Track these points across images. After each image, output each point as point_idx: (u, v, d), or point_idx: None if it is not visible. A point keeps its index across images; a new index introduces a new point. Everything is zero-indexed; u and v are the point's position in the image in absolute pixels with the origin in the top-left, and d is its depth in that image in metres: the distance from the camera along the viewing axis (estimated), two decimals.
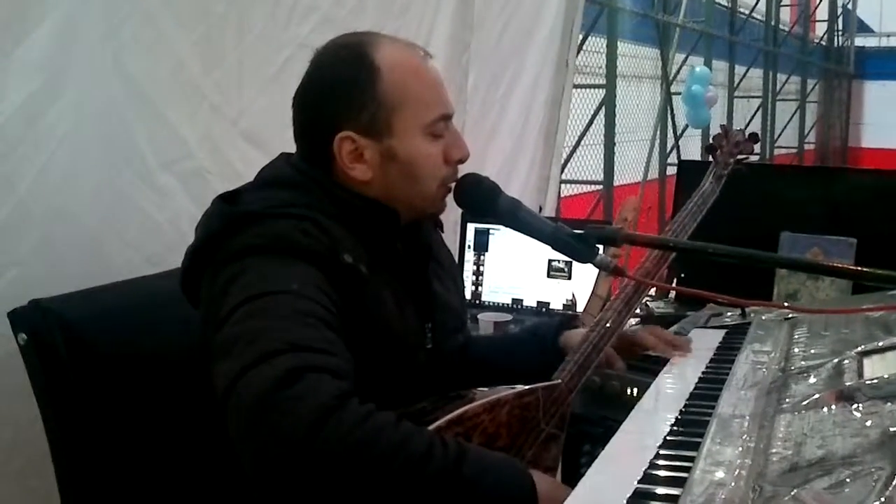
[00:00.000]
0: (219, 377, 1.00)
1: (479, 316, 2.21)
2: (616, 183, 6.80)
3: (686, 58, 8.60)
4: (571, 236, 1.25)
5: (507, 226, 1.32)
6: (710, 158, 1.72)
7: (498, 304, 2.40)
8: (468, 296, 2.41)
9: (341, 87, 1.22)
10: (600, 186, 6.65)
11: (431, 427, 1.06)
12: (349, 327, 1.11)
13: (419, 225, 1.32)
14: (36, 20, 1.46)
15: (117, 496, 1.34)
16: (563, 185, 6.05)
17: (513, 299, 2.39)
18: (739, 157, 1.71)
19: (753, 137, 1.77)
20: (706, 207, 1.58)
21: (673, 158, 8.11)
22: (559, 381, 1.23)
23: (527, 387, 1.18)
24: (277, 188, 1.23)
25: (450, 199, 1.32)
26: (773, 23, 11.76)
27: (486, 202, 1.27)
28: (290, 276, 1.09)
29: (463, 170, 1.32)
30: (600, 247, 1.26)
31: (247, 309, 1.05)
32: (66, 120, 1.52)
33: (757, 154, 11.03)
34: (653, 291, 2.37)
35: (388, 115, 1.21)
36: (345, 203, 1.22)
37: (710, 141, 1.72)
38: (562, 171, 5.67)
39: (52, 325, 1.31)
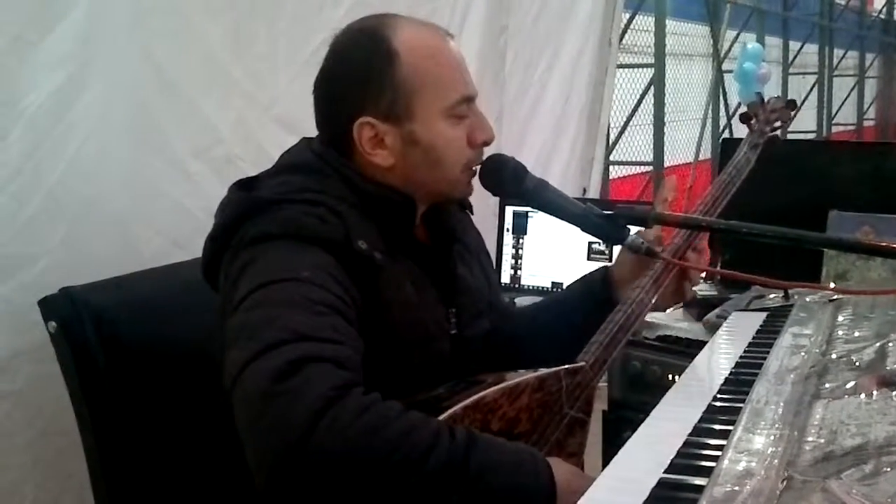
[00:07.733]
0: (226, 368, 0.98)
1: (517, 300, 2.19)
2: (667, 164, 6.68)
3: (738, 34, 8.40)
4: (601, 217, 1.22)
5: (534, 207, 1.30)
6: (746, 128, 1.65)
7: (538, 287, 2.37)
8: (507, 279, 2.39)
9: (360, 73, 1.20)
10: (650, 168, 6.54)
11: (446, 414, 1.02)
12: (366, 315, 1.09)
13: (441, 209, 1.30)
14: (62, 11, 1.46)
15: (148, 483, 1.34)
16: (612, 167, 5.99)
17: (552, 282, 2.36)
18: (776, 124, 1.64)
19: (791, 104, 1.69)
20: (740, 179, 1.50)
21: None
22: (583, 363, 1.19)
23: (548, 370, 1.14)
24: (293, 173, 1.21)
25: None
26: None
27: (511, 184, 1.24)
28: (302, 263, 1.07)
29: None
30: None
31: (255, 297, 1.03)
32: (94, 111, 1.52)
33: (814, 132, 10.79)
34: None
35: (409, 100, 1.18)
36: (360, 189, 1.20)
37: (745, 110, 1.65)
38: (610, 153, 5.61)
39: (82, 313, 1.32)
